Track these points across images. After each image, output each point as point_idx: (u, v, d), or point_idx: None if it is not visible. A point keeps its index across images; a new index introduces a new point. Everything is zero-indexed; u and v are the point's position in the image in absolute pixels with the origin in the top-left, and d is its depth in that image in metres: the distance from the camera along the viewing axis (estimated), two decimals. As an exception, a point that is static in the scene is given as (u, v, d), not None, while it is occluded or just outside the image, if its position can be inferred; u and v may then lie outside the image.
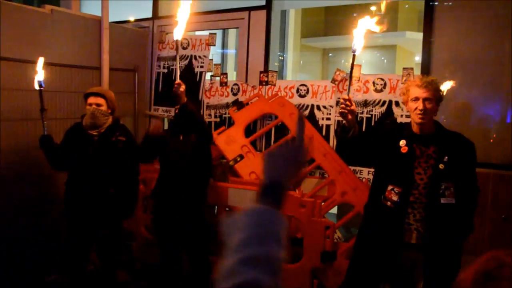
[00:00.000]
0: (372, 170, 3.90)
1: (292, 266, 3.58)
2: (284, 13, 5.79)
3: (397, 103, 4.03)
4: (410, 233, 2.69)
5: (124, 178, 3.67)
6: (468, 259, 2.69)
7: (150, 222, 4.00)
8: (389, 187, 2.74)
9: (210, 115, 5.03)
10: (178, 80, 3.32)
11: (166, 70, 5.34)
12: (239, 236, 0.89)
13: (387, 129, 3.19)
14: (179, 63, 3.39)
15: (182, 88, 3.34)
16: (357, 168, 4.16)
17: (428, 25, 4.01)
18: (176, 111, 3.72)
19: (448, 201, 2.63)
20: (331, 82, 4.38)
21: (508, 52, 3.66)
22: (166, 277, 3.76)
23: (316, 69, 7.70)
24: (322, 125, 4.40)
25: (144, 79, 5.47)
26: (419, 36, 4.25)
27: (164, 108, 5.24)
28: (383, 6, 2.93)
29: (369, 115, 4.17)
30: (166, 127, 4.98)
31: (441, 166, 2.66)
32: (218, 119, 4.98)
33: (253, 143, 4.45)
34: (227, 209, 4.13)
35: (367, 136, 3.01)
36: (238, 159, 4.17)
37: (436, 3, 3.98)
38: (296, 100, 4.50)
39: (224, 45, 6.65)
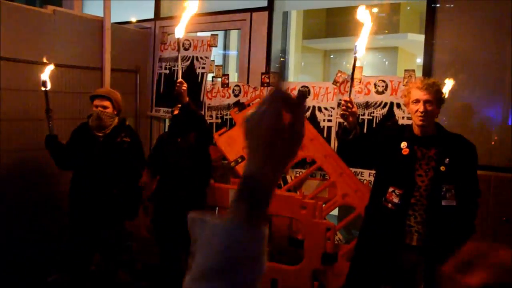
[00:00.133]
0: (373, 172, 3.90)
1: (292, 267, 3.58)
2: (285, 15, 5.79)
3: (398, 105, 4.03)
4: (411, 235, 2.69)
5: (128, 179, 3.67)
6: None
7: (150, 222, 3.99)
8: (390, 189, 2.74)
9: (211, 116, 5.03)
10: (180, 79, 3.32)
11: (167, 71, 5.34)
12: (207, 257, 0.74)
13: (388, 131, 3.19)
14: (181, 63, 3.40)
15: (184, 87, 3.34)
16: (358, 170, 4.16)
17: (429, 27, 4.00)
18: (175, 112, 3.72)
19: (449, 203, 2.63)
20: (333, 83, 4.38)
21: (509, 54, 3.66)
22: (166, 278, 3.76)
23: (318, 70, 7.70)
24: (324, 126, 4.40)
25: (145, 79, 5.48)
26: (421, 38, 4.25)
27: (166, 109, 5.25)
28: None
29: (371, 117, 4.17)
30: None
31: (442, 168, 2.66)
32: (219, 120, 4.99)
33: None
34: (227, 210, 4.13)
35: (368, 138, 3.02)
36: (239, 160, 4.16)
37: (437, 5, 3.98)
38: (298, 101, 4.49)
39: (225, 47, 6.65)
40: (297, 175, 4.32)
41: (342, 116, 2.73)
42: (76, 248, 3.68)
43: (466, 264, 0.76)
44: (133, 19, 5.76)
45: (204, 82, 5.05)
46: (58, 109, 4.31)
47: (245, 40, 4.97)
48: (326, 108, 4.40)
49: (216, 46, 5.13)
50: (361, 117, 4.16)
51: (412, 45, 6.56)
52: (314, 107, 4.45)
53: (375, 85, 4.15)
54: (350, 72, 2.79)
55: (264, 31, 4.84)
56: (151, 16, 5.65)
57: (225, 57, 6.67)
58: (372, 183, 3.88)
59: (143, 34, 5.54)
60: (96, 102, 3.65)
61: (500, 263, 0.71)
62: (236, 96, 4.88)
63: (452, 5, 3.98)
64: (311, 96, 4.47)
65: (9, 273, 3.78)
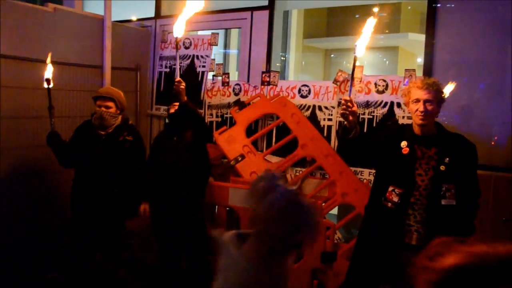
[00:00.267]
0: (373, 171, 3.91)
1: (292, 266, 3.58)
2: (286, 14, 5.79)
3: (398, 105, 4.03)
4: (411, 234, 2.69)
5: (129, 178, 3.68)
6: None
7: (149, 221, 3.99)
8: (390, 188, 2.74)
9: (211, 114, 5.04)
10: (178, 78, 3.32)
11: (168, 70, 5.35)
12: (223, 282, 0.85)
13: (389, 130, 3.19)
14: (180, 61, 3.39)
15: (182, 85, 3.34)
16: (358, 169, 4.16)
17: (430, 27, 4.00)
18: (170, 110, 3.72)
19: (449, 202, 2.63)
20: (333, 83, 4.38)
21: (510, 54, 3.66)
22: (165, 277, 3.77)
23: (318, 69, 7.70)
24: (324, 125, 4.40)
25: (145, 78, 5.48)
26: (422, 37, 4.24)
27: (166, 108, 5.24)
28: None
29: (371, 116, 4.17)
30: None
31: (442, 167, 2.66)
32: (219, 119, 4.99)
33: (254, 143, 4.45)
34: (227, 208, 4.14)
35: (368, 137, 3.02)
36: (239, 158, 4.17)
37: (438, 5, 3.98)
38: (298, 100, 4.50)
39: (226, 45, 6.65)
40: (297, 173, 4.33)
41: (342, 115, 2.73)
42: (76, 246, 3.69)
43: (437, 253, 0.77)
44: (134, 18, 5.76)
45: (204, 80, 5.05)
46: (58, 107, 4.31)
47: (246, 39, 4.97)
48: (326, 107, 4.40)
49: (216, 45, 5.13)
50: (361, 116, 4.16)
51: (413, 44, 6.55)
52: (314, 106, 4.45)
53: (375, 84, 4.15)
54: (350, 72, 2.79)
55: (264, 30, 4.84)
56: (152, 14, 5.65)
57: (225, 56, 6.67)
58: (372, 182, 3.89)
59: (144, 33, 5.55)
60: (99, 102, 3.66)
61: (471, 250, 0.72)
62: (236, 94, 4.88)
63: (452, 5, 3.98)
64: (311, 95, 4.47)
65: (9, 270, 3.79)
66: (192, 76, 5.10)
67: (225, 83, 4.96)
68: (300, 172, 4.32)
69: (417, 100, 2.71)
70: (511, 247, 0.71)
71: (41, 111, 4.02)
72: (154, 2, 5.66)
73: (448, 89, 3.50)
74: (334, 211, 4.47)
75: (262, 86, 4.66)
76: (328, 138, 4.34)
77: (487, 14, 3.80)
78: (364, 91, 4.19)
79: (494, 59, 3.75)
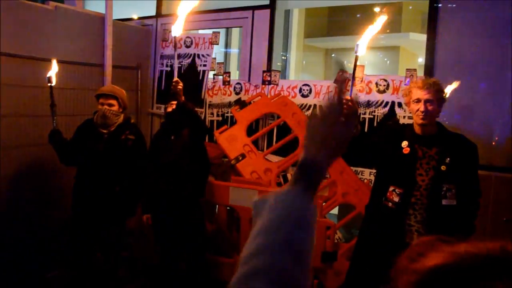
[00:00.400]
0: (374, 171, 3.91)
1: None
2: (287, 13, 5.78)
3: (399, 104, 4.03)
4: (411, 234, 2.69)
5: (131, 177, 3.68)
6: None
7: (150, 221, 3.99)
8: (391, 188, 2.74)
9: (212, 114, 5.03)
10: (176, 78, 3.32)
11: (169, 68, 5.35)
12: (265, 220, 0.88)
13: (389, 130, 3.19)
14: (181, 60, 3.39)
15: (180, 86, 3.34)
16: (359, 169, 4.16)
17: (432, 27, 4.00)
18: (168, 109, 3.71)
19: (450, 202, 2.63)
20: (334, 82, 4.37)
21: (511, 54, 3.65)
22: (165, 276, 3.76)
23: (319, 69, 7.70)
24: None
25: (146, 76, 5.48)
26: (423, 37, 4.24)
27: (164, 106, 5.25)
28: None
29: (372, 116, 4.17)
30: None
31: (443, 167, 2.66)
32: (220, 118, 4.99)
33: (255, 142, 4.45)
34: (228, 208, 4.13)
35: (369, 137, 3.02)
36: (240, 158, 4.17)
37: (440, 5, 3.97)
38: (299, 100, 4.50)
39: (227, 44, 6.65)
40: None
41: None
42: (76, 245, 3.69)
43: (418, 254, 0.77)
44: (135, 16, 5.76)
45: (205, 79, 5.05)
46: (58, 105, 4.31)
47: (247, 38, 4.97)
48: (327, 107, 4.39)
49: (217, 44, 5.13)
50: (362, 116, 4.16)
51: (414, 44, 6.55)
52: (315, 105, 4.45)
53: (376, 84, 4.15)
54: (351, 71, 2.79)
55: (265, 29, 4.84)
56: (153, 13, 5.65)
57: (226, 55, 6.66)
58: (372, 182, 3.89)
59: (145, 31, 5.55)
60: (102, 100, 3.66)
61: (452, 249, 0.72)
62: (237, 94, 4.88)
63: (454, 5, 3.98)
64: (312, 94, 4.47)
65: (9, 268, 3.79)
66: (193, 75, 5.10)
67: (226, 82, 4.96)
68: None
69: (418, 100, 2.71)
70: (492, 244, 0.71)
71: (42, 109, 4.02)
72: (155, 1, 5.66)
73: (449, 89, 3.50)
74: (335, 211, 4.47)
75: (263, 85, 4.66)
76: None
77: (488, 14, 3.79)
78: (365, 90, 4.19)
79: (495, 58, 3.75)
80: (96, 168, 3.62)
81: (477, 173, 2.75)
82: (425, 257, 0.74)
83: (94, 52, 4.77)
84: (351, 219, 3.94)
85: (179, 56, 5.19)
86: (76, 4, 5.43)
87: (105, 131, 3.65)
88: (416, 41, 6.21)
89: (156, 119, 5.53)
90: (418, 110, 2.71)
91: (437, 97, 2.72)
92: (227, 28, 6.18)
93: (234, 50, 6.66)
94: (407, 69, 4.05)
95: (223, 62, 5.32)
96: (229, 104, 4.90)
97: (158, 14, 5.60)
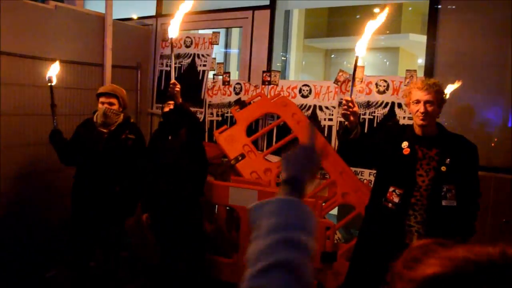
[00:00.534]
0: (373, 171, 3.91)
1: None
2: (287, 14, 5.78)
3: (399, 105, 4.04)
4: (411, 235, 2.69)
5: (131, 177, 3.67)
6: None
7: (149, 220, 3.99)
8: (391, 189, 2.74)
9: (212, 113, 5.03)
10: (173, 80, 3.31)
11: (169, 68, 5.34)
12: (269, 221, 0.95)
13: (390, 131, 3.19)
14: (180, 60, 3.38)
15: (177, 88, 3.33)
16: (358, 170, 4.16)
17: (432, 28, 4.00)
18: (165, 109, 3.70)
19: (450, 203, 2.63)
20: (334, 83, 4.38)
21: (510, 55, 3.66)
22: (165, 276, 3.76)
23: (319, 70, 7.70)
24: (324, 125, 4.40)
25: (146, 76, 5.48)
26: (423, 38, 4.25)
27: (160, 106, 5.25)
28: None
29: (371, 117, 4.17)
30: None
31: (443, 168, 2.66)
32: (220, 118, 4.99)
33: (255, 143, 4.45)
34: (227, 208, 4.13)
35: (369, 138, 3.01)
36: (240, 158, 4.17)
37: (440, 6, 3.98)
38: (299, 100, 4.50)
39: (227, 45, 6.65)
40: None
41: (343, 115, 2.73)
42: (76, 244, 3.68)
43: (414, 260, 0.76)
44: (135, 16, 5.76)
45: (205, 79, 5.05)
46: (58, 105, 4.31)
47: (247, 38, 4.97)
48: (327, 107, 4.40)
49: (217, 44, 5.13)
50: (362, 116, 4.16)
51: (414, 45, 6.56)
52: (315, 106, 4.45)
53: (376, 84, 4.15)
54: (351, 72, 2.79)
55: (266, 30, 4.84)
56: (153, 13, 5.65)
57: (226, 55, 6.67)
58: (372, 182, 3.89)
59: (145, 31, 5.55)
60: (103, 99, 3.65)
61: (450, 255, 0.71)
62: (237, 94, 4.88)
63: (454, 6, 3.98)
64: (312, 95, 4.47)
65: (8, 268, 3.79)
66: (193, 75, 5.10)
67: (226, 82, 4.96)
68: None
69: (418, 101, 2.71)
70: (491, 249, 0.70)
71: (42, 108, 4.02)
72: (155, 0, 5.66)
73: (449, 89, 3.50)
74: (334, 211, 4.47)
75: (263, 86, 4.66)
76: (328, 138, 4.34)
77: (488, 15, 3.80)
78: (365, 91, 4.19)
79: (495, 60, 3.76)
80: (96, 167, 3.61)
81: (477, 174, 2.75)
82: (421, 264, 0.73)
83: (94, 52, 4.77)
84: (351, 220, 3.94)
85: (178, 56, 5.19)
86: (76, 4, 5.43)
87: (105, 130, 3.65)
88: (416, 42, 6.23)
89: (156, 119, 5.52)
90: (417, 111, 2.70)
91: (437, 98, 2.71)
92: (227, 28, 6.19)
93: (233, 51, 6.66)
94: (407, 70, 4.06)
95: (223, 62, 5.32)
96: (229, 104, 4.90)
97: (158, 14, 5.60)
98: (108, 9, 4.84)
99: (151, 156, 3.73)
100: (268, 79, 4.64)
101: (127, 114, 3.81)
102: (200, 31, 5.43)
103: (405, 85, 3.92)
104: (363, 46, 2.64)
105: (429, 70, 3.97)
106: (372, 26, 2.56)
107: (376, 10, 4.83)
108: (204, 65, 5.08)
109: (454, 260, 0.69)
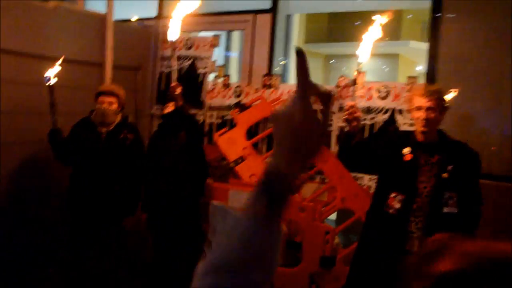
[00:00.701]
0: (373, 177, 3.91)
1: (290, 270, 3.57)
2: (288, 18, 5.80)
3: (400, 111, 4.04)
4: (412, 241, 2.69)
5: (130, 176, 3.66)
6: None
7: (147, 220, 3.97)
8: (392, 195, 2.74)
9: (212, 116, 5.02)
10: (174, 82, 3.30)
11: (169, 70, 5.33)
12: (215, 250, 0.77)
13: (391, 137, 3.20)
14: (181, 62, 3.37)
15: (178, 90, 3.32)
16: (358, 175, 4.15)
17: (433, 35, 4.02)
18: (165, 110, 3.67)
19: (451, 210, 2.63)
20: (335, 88, 4.38)
21: (510, 65, 3.67)
22: (164, 276, 3.74)
23: (318, 75, 7.72)
24: (324, 130, 4.39)
25: (147, 77, 5.46)
26: (422, 45, 4.27)
27: (160, 107, 5.23)
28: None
29: (372, 122, 4.17)
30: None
31: (444, 175, 2.66)
32: (220, 120, 4.97)
33: (254, 146, 4.44)
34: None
35: (369, 144, 3.02)
36: (239, 161, 4.16)
37: (440, 14, 3.99)
38: (299, 104, 4.49)
39: (227, 48, 6.65)
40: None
41: (346, 120, 2.73)
42: (76, 244, 3.66)
43: (430, 255, 0.75)
44: (136, 17, 5.74)
45: (205, 82, 5.04)
46: (57, 104, 4.30)
47: (248, 42, 4.97)
48: (327, 112, 4.40)
49: (218, 46, 5.12)
50: (362, 122, 4.16)
51: (414, 52, 6.59)
52: (315, 111, 4.44)
53: (377, 90, 4.16)
54: (351, 77, 2.80)
55: (267, 33, 4.84)
56: (154, 14, 5.64)
57: (226, 59, 6.67)
58: (371, 188, 3.89)
59: (145, 32, 5.53)
60: (102, 98, 3.64)
61: (466, 251, 0.71)
62: (237, 97, 4.87)
63: (454, 15, 4.00)
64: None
65: (7, 266, 3.75)
66: (193, 77, 5.09)
67: (226, 85, 4.95)
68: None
69: (419, 108, 2.72)
70: (504, 245, 0.70)
71: (42, 107, 4.00)
72: (157, 2, 5.65)
73: (448, 97, 3.52)
74: (333, 216, 4.46)
75: (263, 89, 4.66)
76: (327, 143, 4.33)
77: (488, 24, 3.82)
78: (366, 97, 4.19)
79: (495, 67, 3.77)
80: (95, 167, 3.59)
81: (479, 181, 2.75)
82: (437, 260, 0.73)
83: (94, 52, 4.75)
84: (350, 225, 3.94)
85: (179, 58, 5.18)
86: (77, 3, 5.41)
87: (104, 129, 3.63)
88: (415, 49, 6.26)
89: (156, 120, 5.50)
90: (419, 117, 2.71)
91: (439, 105, 2.72)
92: (228, 31, 6.19)
93: (234, 54, 6.66)
94: (408, 76, 4.06)
95: (223, 65, 5.31)
96: (229, 107, 4.89)
97: (160, 16, 5.59)
98: (109, 9, 4.82)
99: (151, 157, 3.72)
100: (269, 82, 4.64)
101: (125, 114, 3.79)
102: (201, 34, 5.42)
103: (407, 92, 3.92)
104: (367, 52, 2.65)
105: (430, 77, 3.98)
106: (374, 31, 2.57)
107: (376, 17, 4.82)
108: (205, 68, 5.07)
109: (470, 257, 0.70)
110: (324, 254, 3.51)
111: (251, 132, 4.52)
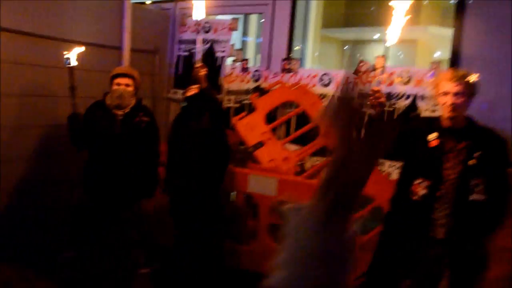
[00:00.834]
0: (393, 163, 3.88)
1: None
2: (307, 3, 5.74)
3: (422, 97, 3.99)
4: (436, 228, 2.66)
5: (146, 159, 3.66)
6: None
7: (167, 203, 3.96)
8: (417, 181, 2.71)
9: (229, 100, 4.99)
10: (199, 63, 3.24)
11: (187, 53, 5.30)
12: (285, 246, 0.80)
13: (417, 123, 3.15)
14: (200, 45, 3.29)
15: (203, 71, 3.27)
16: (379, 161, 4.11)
17: (458, 21, 3.95)
18: (187, 93, 3.61)
19: (477, 197, 2.59)
20: (354, 73, 4.33)
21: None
22: (180, 261, 3.75)
23: (335, 59, 7.66)
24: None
25: (164, 61, 5.43)
26: (441, 31, 4.20)
27: (182, 91, 5.21)
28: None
29: (392, 109, 4.12)
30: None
31: (471, 162, 2.62)
32: (238, 105, 4.94)
33: (273, 131, 4.42)
34: (245, 195, 4.11)
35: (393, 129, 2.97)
36: (258, 145, 4.14)
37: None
38: (319, 89, 4.46)
39: (245, 32, 6.60)
40: (317, 162, 4.29)
41: (371, 105, 2.70)
42: (91, 228, 3.67)
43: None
44: (153, 0, 5.70)
45: (223, 66, 5.01)
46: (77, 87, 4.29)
47: (267, 25, 4.92)
48: (347, 98, 4.36)
49: (236, 30, 5.08)
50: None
51: (432, 38, 6.48)
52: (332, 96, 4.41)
53: (398, 76, 4.10)
54: (370, 62, 2.75)
55: (286, 17, 4.79)
56: (172, -3, 5.59)
57: (243, 43, 6.62)
58: (391, 175, 3.87)
59: (163, 15, 5.49)
60: (118, 80, 3.62)
61: None
62: (256, 81, 4.84)
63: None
64: (332, 84, 4.42)
65: (21, 250, 3.78)
66: (211, 60, 5.06)
67: (244, 69, 4.92)
68: (319, 161, 4.29)
69: (446, 93, 2.67)
70: None
71: (56, 90, 4.01)
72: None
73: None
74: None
75: (282, 73, 4.62)
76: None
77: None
78: (386, 82, 4.14)
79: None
80: (113, 150, 3.59)
81: (506, 169, 2.71)
82: None
83: (112, 35, 4.73)
84: (368, 212, 3.91)
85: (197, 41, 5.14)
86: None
87: (120, 112, 3.61)
88: (434, 35, 6.15)
89: (173, 104, 5.49)
90: (446, 103, 2.67)
91: (466, 90, 2.67)
92: (247, 14, 6.12)
93: (251, 38, 6.61)
94: (432, 62, 4.00)
95: (241, 49, 5.27)
96: (247, 91, 4.86)
97: (177, -2, 5.54)
98: (127, -9, 4.79)
99: (174, 141, 3.69)
100: (288, 67, 4.60)
101: (139, 97, 3.78)
102: (218, 17, 5.38)
103: (429, 77, 3.87)
104: (394, 35, 2.61)
105: (454, 62, 3.92)
106: (402, 15, 2.52)
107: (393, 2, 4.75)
108: (223, 51, 5.03)
109: None
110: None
111: (270, 117, 4.49)
